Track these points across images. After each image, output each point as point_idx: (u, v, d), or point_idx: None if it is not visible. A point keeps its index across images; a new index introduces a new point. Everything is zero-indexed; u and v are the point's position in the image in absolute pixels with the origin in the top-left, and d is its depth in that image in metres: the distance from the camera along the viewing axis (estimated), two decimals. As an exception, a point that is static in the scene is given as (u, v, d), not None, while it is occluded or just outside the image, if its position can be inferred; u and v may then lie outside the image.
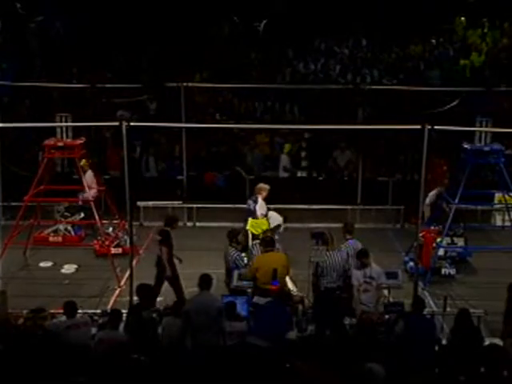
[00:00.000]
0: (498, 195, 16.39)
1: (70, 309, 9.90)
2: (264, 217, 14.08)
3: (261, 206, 14.26)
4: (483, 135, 14.34)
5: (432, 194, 15.41)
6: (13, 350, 8.85)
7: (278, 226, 13.85)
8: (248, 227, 14.32)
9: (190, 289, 12.10)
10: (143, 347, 9.35)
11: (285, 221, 14.12)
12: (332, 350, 9.09)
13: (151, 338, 9.73)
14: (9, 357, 8.68)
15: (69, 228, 16.10)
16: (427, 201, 15.08)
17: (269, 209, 14.22)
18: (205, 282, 9.86)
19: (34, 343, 9.09)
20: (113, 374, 8.71)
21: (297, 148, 20.05)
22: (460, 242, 15.18)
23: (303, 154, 20.08)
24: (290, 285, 12.26)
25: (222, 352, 9.32)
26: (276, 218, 13.94)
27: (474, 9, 24.09)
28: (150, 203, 17.59)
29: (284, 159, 19.11)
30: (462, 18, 24.62)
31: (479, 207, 17.26)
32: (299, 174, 19.89)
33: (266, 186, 14.60)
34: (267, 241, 12.03)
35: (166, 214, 14.29)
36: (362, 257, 11.54)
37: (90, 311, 11.10)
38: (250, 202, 14.44)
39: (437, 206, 15.48)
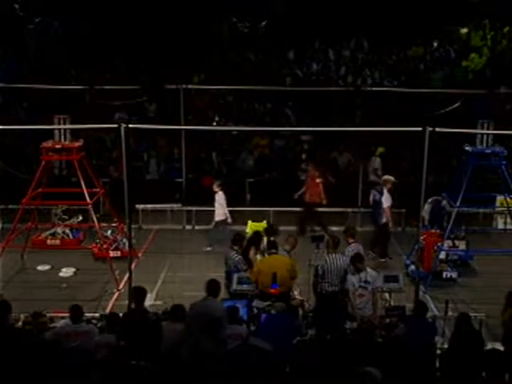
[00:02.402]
0: (499, 198, 16.38)
1: (75, 313, 9.78)
2: (389, 208, 15.06)
3: (386, 198, 15.03)
4: (485, 137, 14.27)
5: (426, 208, 15.14)
6: (11, 353, 8.75)
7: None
8: (247, 230, 14.27)
9: (187, 292, 12.03)
10: (144, 352, 9.23)
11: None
12: (331, 354, 9.02)
13: (155, 341, 9.57)
14: (7, 360, 8.59)
15: (67, 231, 15.99)
16: (423, 214, 14.91)
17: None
18: (211, 288, 9.54)
19: (33, 349, 8.99)
20: (112, 379, 8.63)
21: (299, 150, 20.07)
22: (461, 245, 15.08)
23: (304, 156, 20.07)
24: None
25: (221, 358, 9.23)
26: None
27: (476, 10, 24.02)
28: (149, 206, 17.51)
29: (376, 162, 18.90)
30: (464, 31, 24.55)
31: (481, 210, 17.16)
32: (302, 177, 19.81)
33: (392, 178, 15.29)
34: (270, 244, 11.95)
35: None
36: (356, 261, 11.45)
37: (88, 315, 10.98)
38: (376, 192, 15.30)
39: (434, 214, 15.35)
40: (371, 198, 15.65)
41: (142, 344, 9.20)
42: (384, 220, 15.25)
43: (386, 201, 15.15)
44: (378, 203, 15.29)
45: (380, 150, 18.58)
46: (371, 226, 16.07)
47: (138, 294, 9.95)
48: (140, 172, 19.57)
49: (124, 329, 9.52)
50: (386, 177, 15.53)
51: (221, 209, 15.97)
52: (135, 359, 8.97)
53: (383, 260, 15.37)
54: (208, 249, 15.88)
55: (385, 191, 15.22)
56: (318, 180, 16.55)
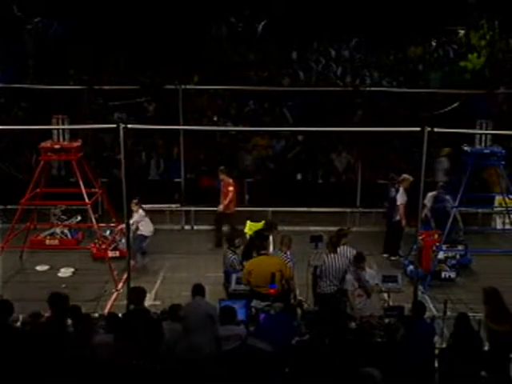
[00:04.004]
0: (498, 198, 16.41)
1: (74, 313, 9.78)
2: (403, 206, 15.19)
3: (401, 196, 15.24)
4: (483, 137, 14.28)
5: (430, 195, 15.33)
6: (10, 353, 8.75)
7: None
8: (246, 230, 14.27)
9: (186, 292, 12.01)
10: (146, 351, 9.24)
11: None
12: (330, 354, 9.02)
13: (156, 341, 9.59)
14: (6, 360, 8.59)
15: (65, 231, 15.98)
16: (426, 202, 15.03)
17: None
18: (196, 289, 9.92)
19: (32, 349, 8.98)
20: (111, 378, 8.63)
21: (297, 151, 20.10)
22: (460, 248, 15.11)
23: (302, 156, 20.12)
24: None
25: (218, 356, 9.26)
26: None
27: (474, 10, 24.06)
28: (148, 206, 17.46)
29: (444, 162, 18.61)
30: (462, 32, 24.57)
31: (480, 210, 17.17)
32: (298, 177, 19.84)
33: (410, 178, 15.28)
34: (258, 245, 11.96)
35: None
36: (359, 261, 11.46)
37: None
38: (393, 189, 15.61)
39: (436, 210, 15.42)
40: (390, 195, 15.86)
41: (144, 344, 9.21)
42: (397, 217, 15.38)
43: (401, 198, 15.31)
44: (392, 200, 15.51)
45: (446, 150, 18.50)
46: (383, 224, 16.30)
47: (138, 294, 9.97)
48: (139, 172, 19.56)
49: (125, 329, 9.53)
50: (404, 175, 15.62)
51: (148, 225, 15.11)
52: (136, 359, 8.99)
53: (394, 258, 15.52)
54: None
55: (401, 189, 15.37)
56: (230, 188, 16.16)
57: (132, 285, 11.46)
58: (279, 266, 11.40)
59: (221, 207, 16.12)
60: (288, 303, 11.08)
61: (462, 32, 24.69)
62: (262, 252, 11.73)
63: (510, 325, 9.86)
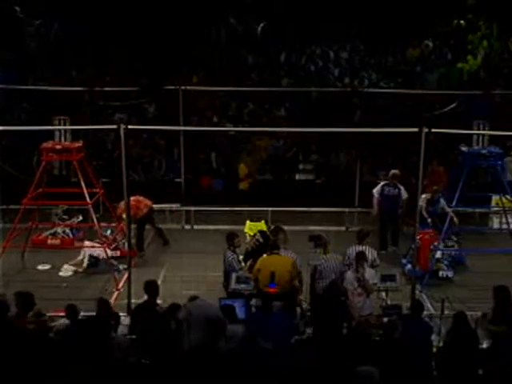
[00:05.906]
0: (495, 198, 16.50)
1: (72, 313, 9.89)
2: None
3: (404, 191, 15.60)
4: (480, 138, 14.39)
5: (423, 197, 15.32)
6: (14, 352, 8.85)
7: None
8: (245, 229, 14.36)
9: (186, 291, 12.14)
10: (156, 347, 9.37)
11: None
12: (329, 353, 9.12)
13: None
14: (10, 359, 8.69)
15: (67, 231, 16.08)
16: (420, 203, 15.08)
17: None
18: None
19: (36, 348, 9.09)
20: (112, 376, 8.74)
21: (295, 151, 20.20)
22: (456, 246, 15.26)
23: (301, 156, 20.24)
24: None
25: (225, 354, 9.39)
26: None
27: (473, 11, 24.12)
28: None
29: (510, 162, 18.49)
30: (462, 21, 24.61)
31: (477, 210, 17.27)
32: (297, 177, 19.94)
33: (395, 171, 15.74)
34: (272, 244, 12.08)
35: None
36: (360, 258, 11.57)
37: (87, 314, 11.07)
38: (389, 188, 15.74)
39: (431, 211, 15.52)
40: (376, 194, 15.87)
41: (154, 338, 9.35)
42: (400, 211, 15.73)
43: (405, 193, 15.66)
44: (395, 197, 15.69)
45: None
46: (375, 223, 16.27)
47: (154, 288, 10.14)
48: (139, 172, 19.67)
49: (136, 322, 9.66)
50: (393, 171, 15.89)
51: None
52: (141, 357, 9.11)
53: (384, 252, 15.59)
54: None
55: (399, 185, 15.67)
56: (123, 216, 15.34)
57: (132, 284, 11.62)
58: (289, 267, 11.54)
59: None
60: (289, 302, 11.18)
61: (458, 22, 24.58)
62: (275, 252, 11.85)
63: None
